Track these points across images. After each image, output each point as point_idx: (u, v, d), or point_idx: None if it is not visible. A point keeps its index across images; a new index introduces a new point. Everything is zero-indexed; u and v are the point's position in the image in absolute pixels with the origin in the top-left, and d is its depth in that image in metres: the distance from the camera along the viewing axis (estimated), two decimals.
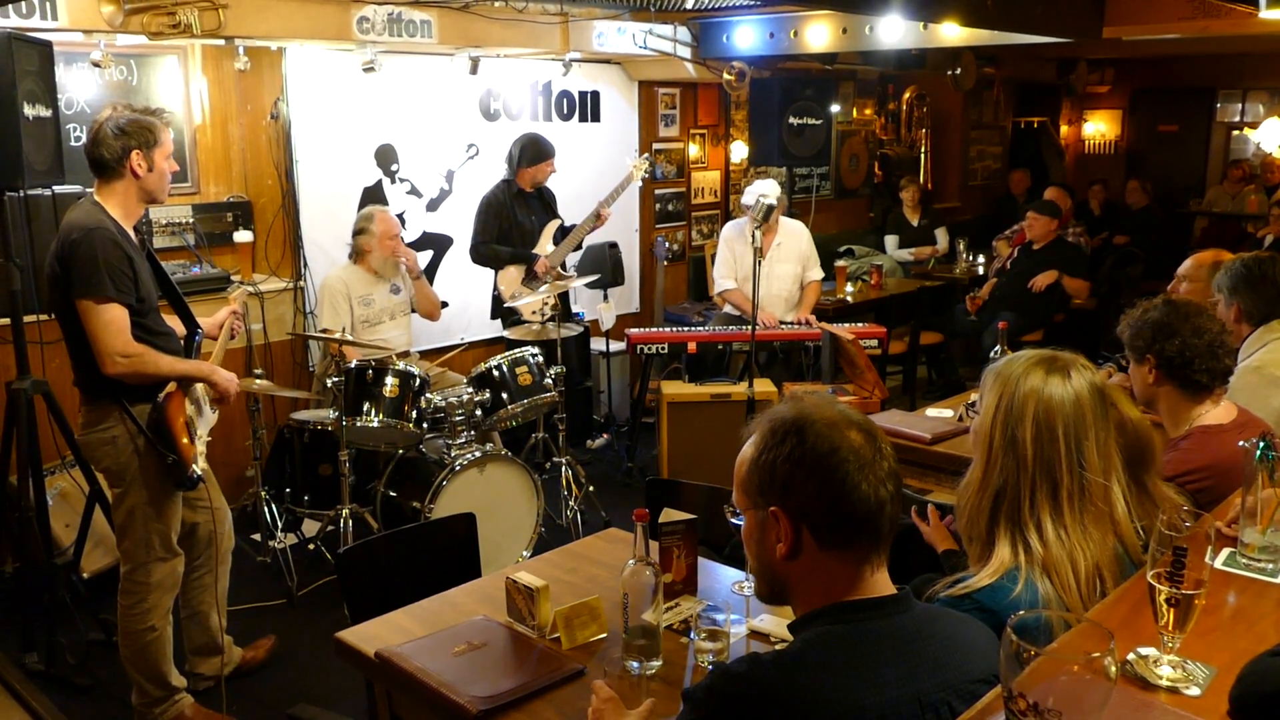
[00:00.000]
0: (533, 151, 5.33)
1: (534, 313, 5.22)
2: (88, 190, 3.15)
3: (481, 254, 5.40)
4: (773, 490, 1.50)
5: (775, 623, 2.19)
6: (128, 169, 3.01)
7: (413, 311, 5.04)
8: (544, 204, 5.50)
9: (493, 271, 5.43)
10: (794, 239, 5.89)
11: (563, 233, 5.45)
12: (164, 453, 3.03)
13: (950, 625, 1.55)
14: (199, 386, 3.23)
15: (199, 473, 3.12)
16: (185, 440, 3.07)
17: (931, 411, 3.95)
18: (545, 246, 5.37)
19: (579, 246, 5.74)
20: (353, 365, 4.18)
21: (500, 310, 5.53)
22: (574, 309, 5.82)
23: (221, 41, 4.60)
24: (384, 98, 5.47)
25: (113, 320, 2.93)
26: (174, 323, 3.28)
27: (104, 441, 3.05)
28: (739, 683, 1.44)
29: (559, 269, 5.35)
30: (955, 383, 7.02)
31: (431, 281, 5.79)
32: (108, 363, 2.93)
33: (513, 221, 5.37)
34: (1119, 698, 1.17)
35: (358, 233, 4.80)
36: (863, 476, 1.46)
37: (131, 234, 3.07)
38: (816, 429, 1.49)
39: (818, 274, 5.95)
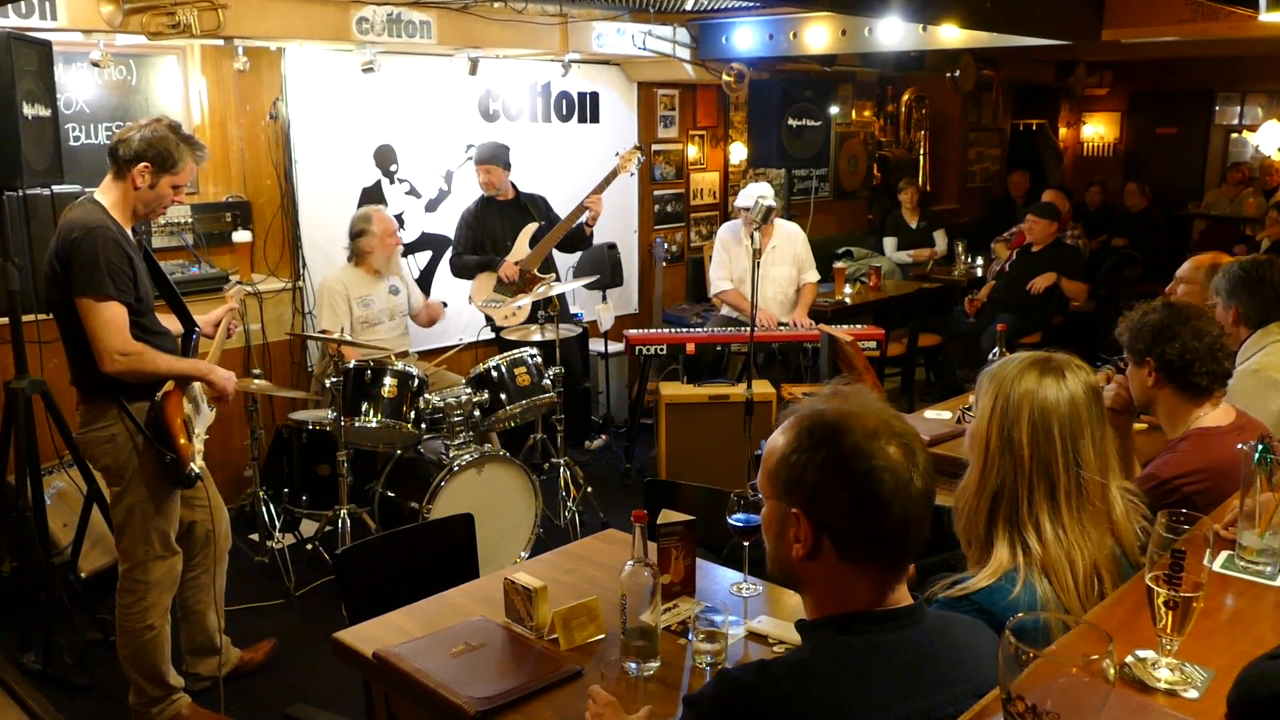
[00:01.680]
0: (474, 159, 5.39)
1: (505, 318, 5.20)
2: (86, 190, 3.15)
3: (456, 267, 5.46)
4: (799, 493, 1.45)
5: (773, 624, 2.19)
6: (130, 175, 3.02)
7: (411, 316, 5.05)
8: (522, 209, 5.44)
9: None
10: (788, 241, 5.89)
11: (541, 234, 5.41)
12: (162, 451, 3.03)
13: (959, 633, 1.52)
14: (197, 385, 3.23)
15: (196, 471, 3.12)
16: (183, 439, 3.07)
17: (929, 413, 3.95)
18: (521, 250, 5.33)
19: (585, 244, 5.70)
20: (351, 365, 4.18)
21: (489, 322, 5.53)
22: (572, 310, 5.81)
23: (220, 42, 4.60)
24: (383, 98, 5.47)
25: (112, 319, 2.94)
26: (171, 322, 3.29)
27: (102, 440, 3.05)
28: (747, 694, 1.40)
29: (535, 272, 5.28)
30: (953, 385, 7.01)
31: (430, 281, 5.81)
32: (106, 361, 2.94)
33: (484, 230, 5.38)
34: (1117, 700, 1.17)
35: (357, 235, 4.80)
36: (895, 497, 1.40)
37: (130, 234, 3.07)
38: (854, 439, 1.42)
39: (813, 276, 5.95)
